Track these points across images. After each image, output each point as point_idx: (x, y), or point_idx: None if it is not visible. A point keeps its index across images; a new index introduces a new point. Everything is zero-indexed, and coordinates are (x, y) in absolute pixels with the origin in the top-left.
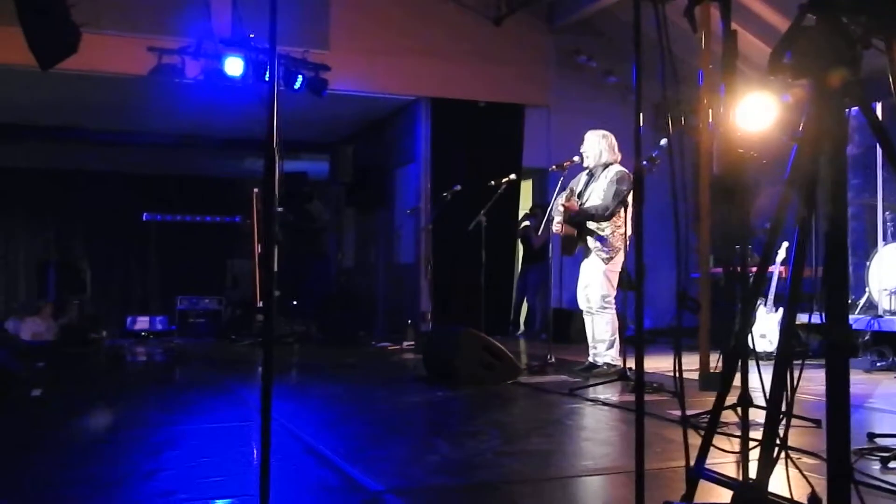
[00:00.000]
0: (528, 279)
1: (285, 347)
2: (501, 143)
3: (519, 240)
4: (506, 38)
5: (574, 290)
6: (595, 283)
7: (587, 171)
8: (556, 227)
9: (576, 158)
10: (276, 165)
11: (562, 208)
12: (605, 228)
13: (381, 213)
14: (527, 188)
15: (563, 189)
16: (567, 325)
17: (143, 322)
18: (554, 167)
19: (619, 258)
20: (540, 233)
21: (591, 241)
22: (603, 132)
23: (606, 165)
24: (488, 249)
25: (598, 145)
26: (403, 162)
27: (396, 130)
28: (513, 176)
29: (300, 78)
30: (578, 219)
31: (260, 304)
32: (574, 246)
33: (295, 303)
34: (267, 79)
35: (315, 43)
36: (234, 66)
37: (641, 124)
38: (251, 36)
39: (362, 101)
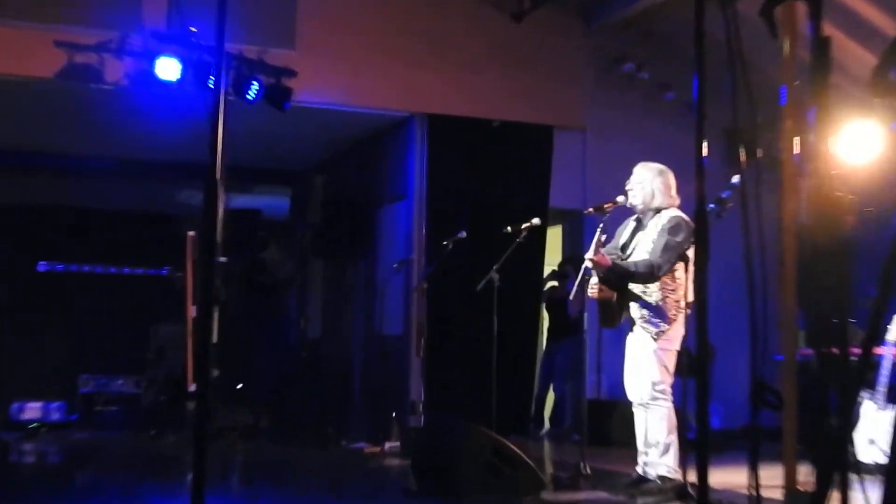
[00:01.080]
0: (556, 359)
1: (226, 446)
2: (521, 177)
3: (544, 306)
4: (529, 39)
5: (617, 374)
6: (645, 367)
7: (636, 217)
8: (591, 289)
9: (620, 199)
10: (220, 200)
11: (590, 264)
12: (653, 293)
13: (360, 267)
14: (555, 237)
15: (607, 240)
16: (607, 421)
17: (33, 410)
18: (591, 210)
19: (676, 332)
20: (572, 297)
21: (635, 310)
22: (660, 167)
23: (658, 210)
24: (503, 318)
25: (650, 183)
26: (390, 198)
27: (382, 157)
28: (536, 220)
29: (256, 85)
30: (613, 279)
31: (193, 388)
32: (615, 315)
33: (241, 386)
34: (212, 85)
35: (276, 40)
36: (168, 68)
37: (706, 154)
38: (192, 30)
39: (337, 118)
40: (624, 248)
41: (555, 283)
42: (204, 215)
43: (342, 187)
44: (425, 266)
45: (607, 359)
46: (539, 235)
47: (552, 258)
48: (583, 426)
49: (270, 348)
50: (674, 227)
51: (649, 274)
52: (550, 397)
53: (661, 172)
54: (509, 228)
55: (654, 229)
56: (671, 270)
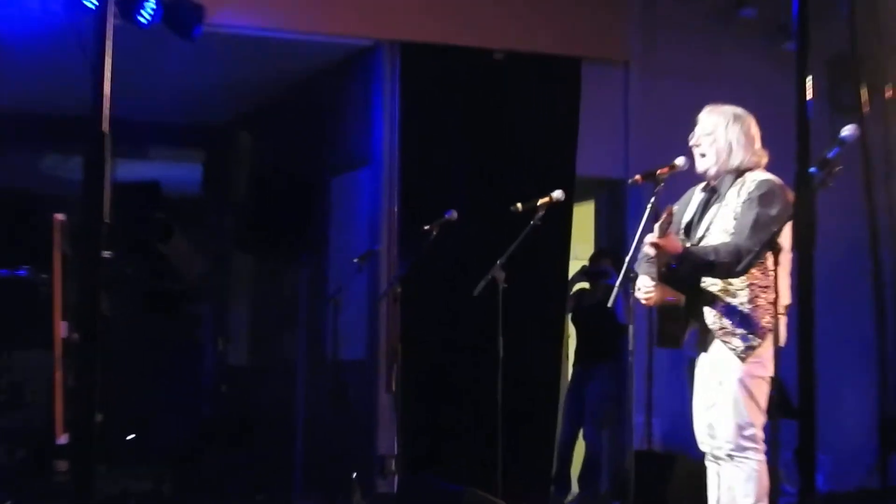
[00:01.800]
0: (588, 393)
1: None
2: (536, 132)
3: (570, 317)
4: None
5: (677, 414)
6: (726, 402)
7: (705, 185)
8: (642, 291)
9: (680, 161)
10: (106, 168)
11: (651, 251)
12: (739, 292)
13: (305, 265)
14: (585, 217)
15: (654, 219)
16: (662, 483)
17: None
18: (638, 178)
19: (769, 351)
20: (611, 303)
21: (712, 318)
22: (736, 110)
23: (740, 173)
24: (511, 334)
25: (723, 134)
26: (348, 165)
27: (335, 106)
28: (558, 194)
29: (152, 3)
30: (684, 273)
31: (64, 440)
32: (680, 328)
33: (133, 437)
34: (91, 4)
35: None
36: None
37: (810, 97)
38: None
39: (271, 50)
40: (688, 230)
41: (585, 285)
42: (82, 191)
43: (278, 150)
44: (399, 262)
45: (662, 393)
46: (562, 216)
47: (581, 248)
48: (627, 489)
49: (176, 383)
50: (765, 196)
51: (735, 263)
52: (580, 447)
53: (737, 118)
54: (519, 206)
55: (736, 199)
56: (763, 258)
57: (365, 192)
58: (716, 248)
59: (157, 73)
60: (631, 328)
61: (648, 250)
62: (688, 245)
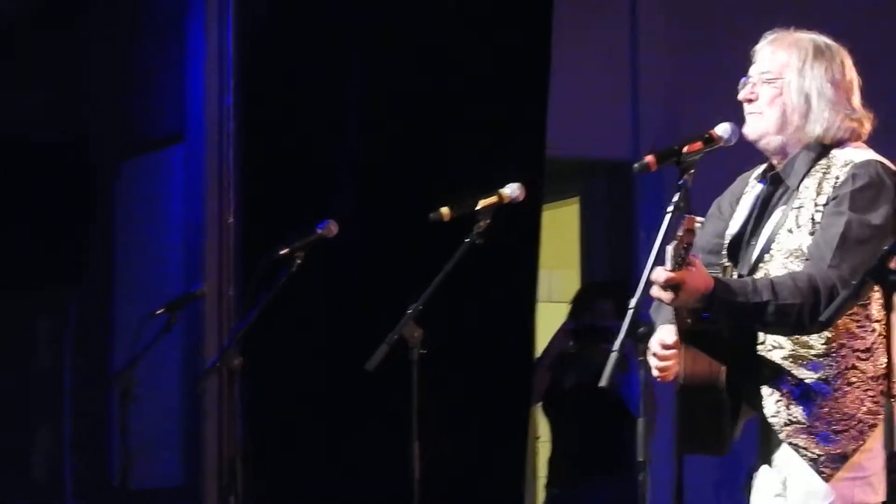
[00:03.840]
0: None
1: None
2: (473, 84)
3: (542, 405)
4: None
5: None
6: None
7: (764, 169)
8: (657, 358)
9: (723, 130)
10: None
11: (663, 295)
12: (822, 360)
13: (69, 316)
14: (564, 226)
15: (687, 236)
16: None
17: None
18: (650, 160)
19: (873, 459)
20: (605, 381)
21: (773, 405)
22: (817, 40)
23: (825, 149)
24: (433, 436)
25: (798, 81)
26: (146, 140)
27: (120, 34)
28: (511, 189)
29: None
30: (722, 327)
31: None
32: (720, 422)
33: None
34: None
35: None
36: None
37: None
38: None
39: None
40: (735, 249)
41: (569, 347)
42: None
43: (23, 113)
44: (237, 312)
45: None
46: (523, 227)
47: (560, 281)
48: None
49: None
50: (865, 190)
51: (810, 308)
52: None
53: (821, 53)
54: (444, 213)
55: (815, 196)
56: (865, 295)
57: (176, 187)
58: (774, 284)
59: None
60: (642, 423)
61: (658, 293)
62: (730, 277)
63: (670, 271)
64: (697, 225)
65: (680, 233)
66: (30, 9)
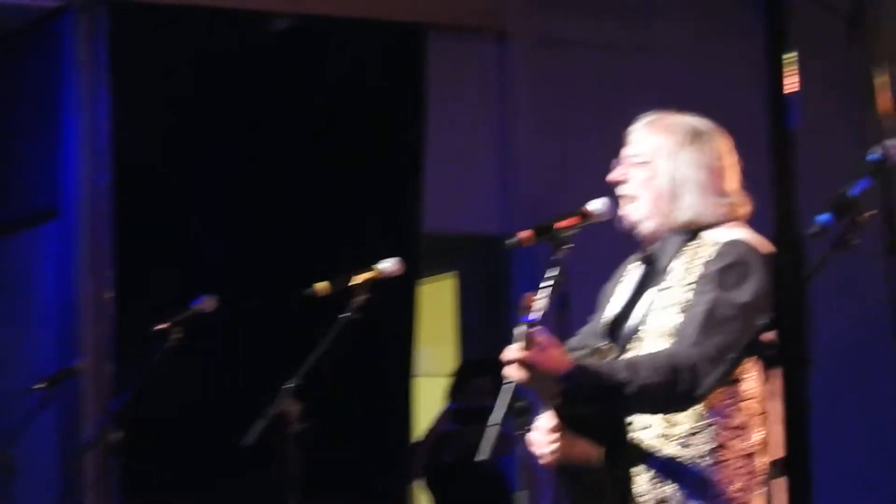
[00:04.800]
0: None
1: None
2: (348, 156)
3: (425, 481)
4: None
5: None
6: None
7: (640, 253)
8: (540, 439)
9: (596, 206)
10: None
11: (517, 375)
12: (693, 438)
13: None
14: (440, 302)
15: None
16: None
17: None
18: (526, 235)
19: None
20: (484, 453)
21: (645, 483)
22: (693, 123)
23: (694, 232)
24: None
25: (669, 165)
26: (18, 217)
27: None
28: (388, 264)
29: None
30: (593, 405)
31: None
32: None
33: None
34: None
35: None
36: None
37: (795, 89)
38: None
39: None
40: (614, 332)
41: (449, 427)
42: None
43: None
44: (115, 388)
45: None
46: (400, 302)
47: (437, 357)
48: None
49: None
50: (731, 269)
51: (669, 387)
52: None
53: (696, 136)
54: (319, 288)
55: (685, 276)
56: (730, 378)
57: (50, 264)
58: (633, 364)
59: None
60: (522, 497)
61: (511, 372)
62: (601, 360)
63: (523, 350)
64: (538, 301)
65: (523, 309)
66: None
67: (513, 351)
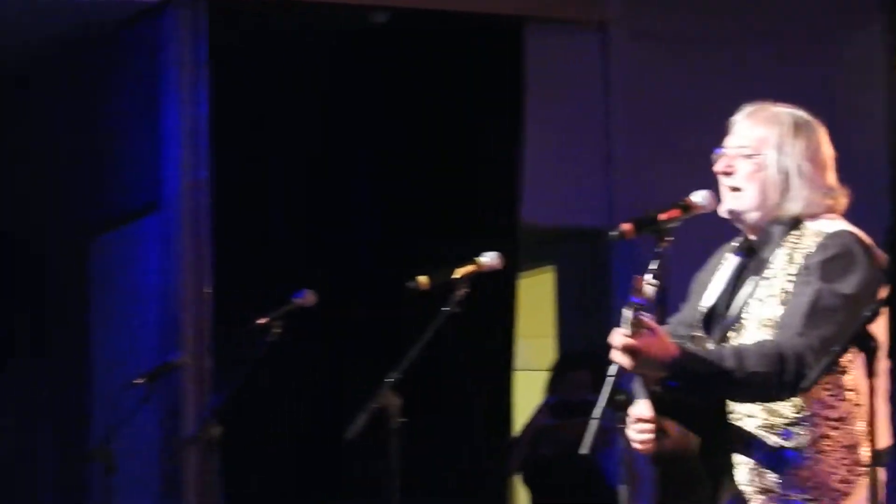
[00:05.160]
0: None
1: None
2: (445, 153)
3: (522, 475)
4: None
5: None
6: None
7: (740, 242)
8: (637, 429)
9: (699, 198)
10: None
11: (624, 360)
12: (794, 428)
13: (36, 390)
14: (539, 295)
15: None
16: None
17: None
18: (627, 228)
19: None
20: (585, 448)
21: (746, 474)
22: (795, 115)
23: (796, 222)
24: None
25: (776, 157)
26: (120, 213)
27: (92, 114)
28: (489, 258)
29: None
30: (697, 391)
31: None
32: (698, 494)
33: None
34: None
35: None
36: None
37: None
38: None
39: None
40: (710, 320)
41: (548, 421)
42: None
43: None
44: (215, 382)
45: None
46: (500, 296)
47: (535, 351)
48: None
49: None
50: (834, 260)
51: (775, 377)
52: None
53: (800, 128)
54: (421, 282)
55: (787, 266)
56: (836, 367)
57: (151, 259)
58: (740, 352)
59: None
60: (624, 491)
61: (619, 358)
62: (702, 345)
63: (627, 336)
64: (648, 285)
65: (631, 294)
66: None
67: (619, 335)
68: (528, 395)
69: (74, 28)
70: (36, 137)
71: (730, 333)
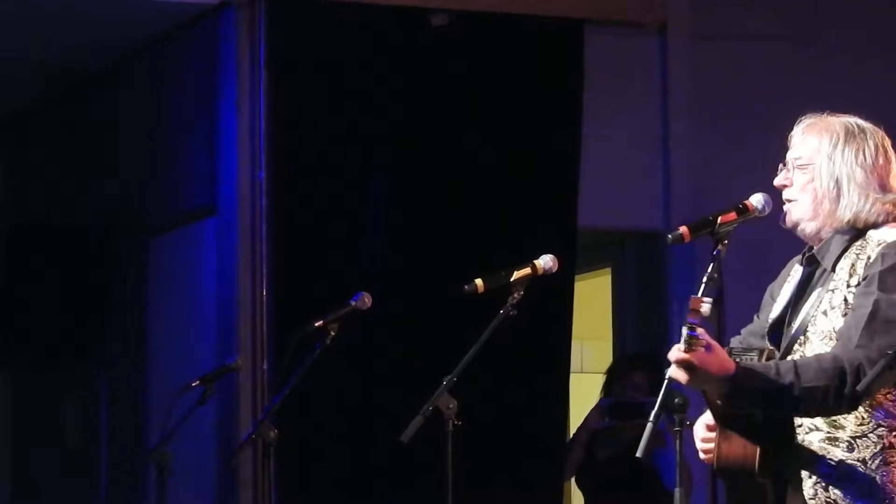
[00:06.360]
0: None
1: None
2: (504, 152)
3: (575, 479)
4: None
5: None
6: None
7: (806, 251)
8: (701, 438)
9: (756, 201)
10: None
11: (680, 376)
12: (859, 441)
13: (95, 391)
14: (596, 297)
15: (692, 316)
16: None
17: None
18: (683, 231)
19: None
20: (641, 451)
21: (810, 488)
22: (848, 123)
23: (858, 231)
24: None
25: (828, 166)
26: (177, 215)
27: (151, 117)
28: (545, 261)
29: None
30: (757, 409)
31: None
32: None
33: None
34: None
35: None
36: None
37: None
38: None
39: (46, 10)
40: (776, 331)
41: (604, 422)
42: None
43: (50, 191)
44: (272, 385)
45: None
46: (556, 298)
47: (592, 353)
48: None
49: None
50: (893, 269)
51: (836, 390)
52: None
53: (851, 137)
54: (477, 284)
55: (849, 277)
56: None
57: (208, 261)
58: (798, 367)
59: None
60: (679, 494)
61: (673, 373)
62: (764, 361)
63: (682, 351)
64: (704, 306)
65: (690, 311)
66: (59, 88)
67: (676, 352)
68: (584, 397)
69: (134, 29)
70: (107, 138)
71: (795, 346)
